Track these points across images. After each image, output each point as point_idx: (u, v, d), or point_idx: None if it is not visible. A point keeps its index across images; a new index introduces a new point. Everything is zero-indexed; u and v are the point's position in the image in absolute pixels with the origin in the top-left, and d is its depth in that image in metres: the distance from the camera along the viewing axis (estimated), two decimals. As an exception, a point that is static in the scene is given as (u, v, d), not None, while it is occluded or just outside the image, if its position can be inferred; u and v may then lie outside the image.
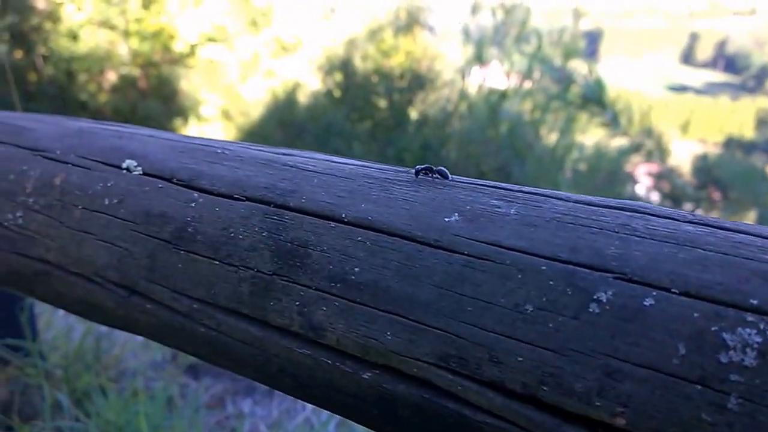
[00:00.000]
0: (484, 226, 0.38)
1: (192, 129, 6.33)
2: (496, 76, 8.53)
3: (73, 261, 0.54)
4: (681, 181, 5.74)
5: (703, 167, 6.97)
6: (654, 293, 0.33)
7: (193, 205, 0.47)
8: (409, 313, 0.37)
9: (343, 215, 0.41)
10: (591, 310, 0.33)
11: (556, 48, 7.85)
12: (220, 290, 0.44)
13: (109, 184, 0.53)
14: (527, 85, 8.29)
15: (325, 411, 1.44)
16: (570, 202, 0.39)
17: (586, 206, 0.39)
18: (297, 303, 0.41)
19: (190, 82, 6.25)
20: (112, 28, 5.91)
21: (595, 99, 4.99)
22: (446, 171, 0.44)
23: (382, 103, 7.19)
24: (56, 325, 1.58)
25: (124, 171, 0.53)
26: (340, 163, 0.48)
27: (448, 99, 7.74)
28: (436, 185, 0.43)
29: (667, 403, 0.31)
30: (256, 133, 6.68)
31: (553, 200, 0.39)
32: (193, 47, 6.12)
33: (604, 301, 0.33)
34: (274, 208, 0.44)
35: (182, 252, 0.46)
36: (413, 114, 7.35)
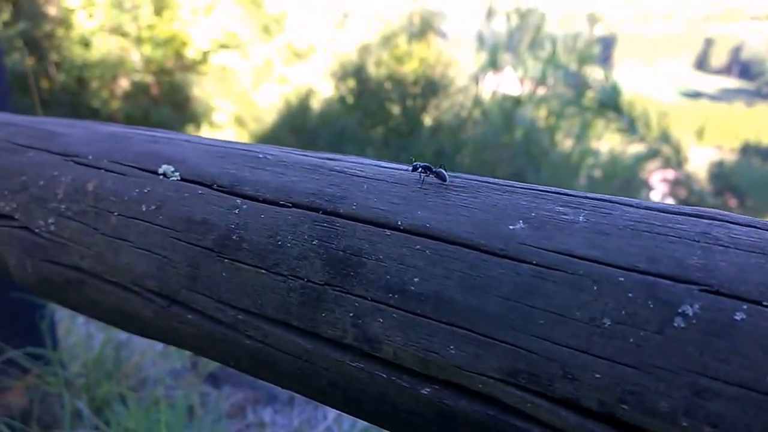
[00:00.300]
0: (551, 234, 0.36)
1: (205, 134, 6.35)
2: (510, 81, 8.51)
3: (109, 269, 0.52)
4: (699, 188, 5.67)
5: (720, 174, 6.89)
6: (744, 306, 0.30)
7: (236, 212, 0.45)
8: (474, 326, 0.35)
9: (399, 222, 0.39)
10: (676, 324, 0.31)
11: (571, 53, 7.82)
12: (267, 300, 0.42)
13: (145, 190, 0.51)
14: (541, 90, 8.26)
15: (347, 420, 1.42)
16: (641, 209, 0.37)
17: (659, 213, 0.36)
18: (351, 314, 0.39)
19: (202, 89, 6.28)
20: (124, 34, 5.95)
21: (611, 105, 4.95)
22: (444, 172, 0.43)
23: (396, 109, 7.18)
24: (76, 333, 1.58)
25: (161, 176, 0.51)
26: (389, 167, 0.46)
27: (461, 105, 7.72)
28: (494, 191, 0.41)
29: (761, 423, 0.29)
30: (269, 140, 6.68)
31: (623, 207, 0.37)
32: (205, 54, 6.15)
33: (691, 315, 0.31)
34: (323, 215, 0.42)
35: (226, 260, 0.45)
36: (427, 120, 7.34)
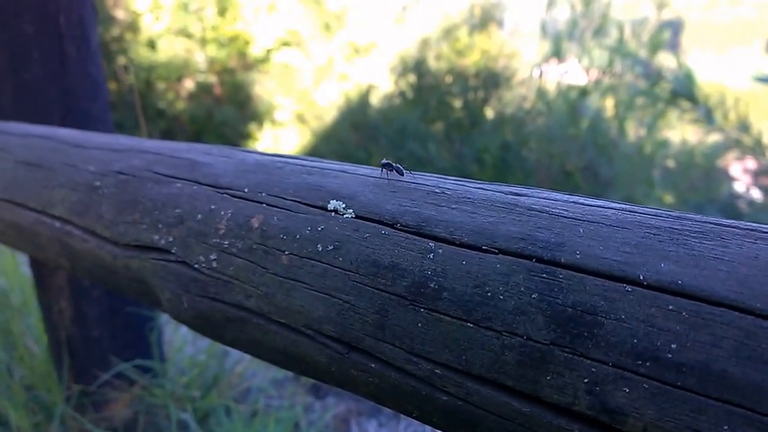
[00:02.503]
0: None
1: (267, 134, 6.45)
2: (574, 71, 8.25)
3: (278, 310, 0.50)
4: (788, 178, 5.32)
5: (807, 160, 6.46)
6: None
7: (430, 256, 0.42)
8: (756, 405, 0.30)
9: (641, 276, 0.35)
10: None
11: (638, 41, 7.50)
12: (474, 357, 0.39)
13: (319, 228, 0.48)
14: (608, 80, 7.98)
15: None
16: None
17: None
18: (585, 380, 0.35)
19: (264, 88, 6.36)
20: (189, 36, 6.09)
21: (685, 94, 4.71)
22: (402, 168, 0.50)
23: (457, 103, 7.07)
24: (179, 344, 1.60)
25: (332, 213, 0.49)
26: (597, 206, 0.41)
27: (525, 97, 7.54)
28: (742, 237, 0.35)
29: None
30: (330, 137, 6.73)
31: None
32: (268, 52, 6.22)
33: None
34: (540, 265, 0.38)
35: (422, 310, 0.41)
36: (489, 113, 7.20)
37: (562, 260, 0.37)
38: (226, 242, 0.53)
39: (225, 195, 0.55)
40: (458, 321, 0.40)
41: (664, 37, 7.78)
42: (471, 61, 7.23)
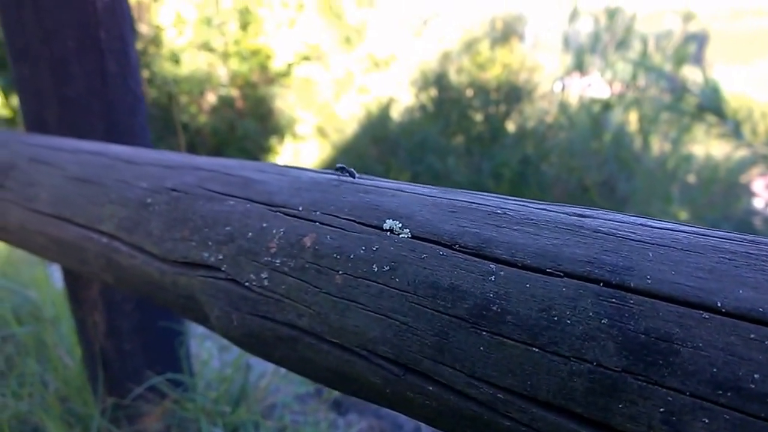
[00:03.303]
0: None
1: (287, 147, 6.50)
2: (597, 85, 8.21)
3: (331, 330, 0.50)
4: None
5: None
6: None
7: (492, 278, 0.42)
8: None
9: (718, 303, 0.34)
10: None
11: (662, 54, 7.45)
12: (540, 382, 0.38)
13: (374, 248, 0.48)
14: (632, 93, 7.92)
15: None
16: None
17: None
18: (661, 409, 0.34)
19: (285, 101, 6.42)
20: (212, 50, 6.19)
21: (712, 108, 4.65)
22: (353, 171, 0.57)
23: (478, 116, 7.07)
24: (202, 358, 1.61)
25: (387, 233, 0.49)
26: (667, 229, 0.40)
27: (546, 111, 7.51)
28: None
29: None
30: (350, 150, 6.76)
31: None
32: (289, 66, 6.29)
33: None
34: (608, 289, 0.37)
35: (485, 333, 0.41)
36: (510, 127, 7.18)
37: (632, 285, 0.37)
38: (278, 261, 0.54)
39: (278, 213, 0.55)
40: (523, 345, 0.39)
41: (689, 50, 7.69)
42: (492, 75, 7.24)
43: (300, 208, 0.55)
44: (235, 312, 0.57)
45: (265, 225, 0.56)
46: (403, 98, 7.04)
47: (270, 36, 6.27)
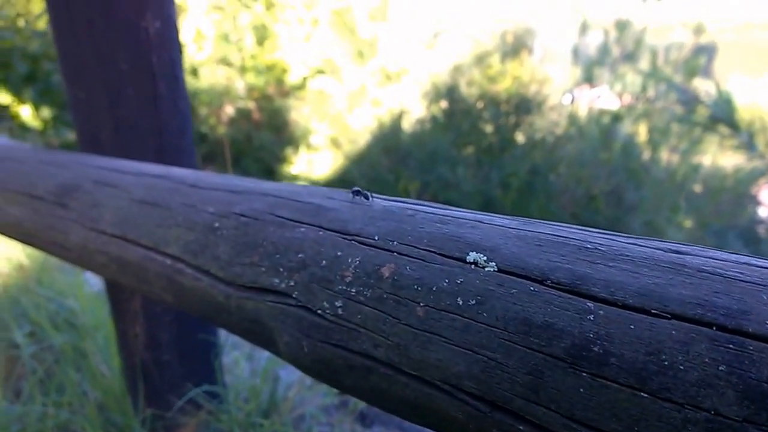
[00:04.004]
0: None
1: (302, 157, 6.52)
2: (606, 96, 8.22)
3: (410, 362, 0.49)
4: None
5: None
6: None
7: (590, 318, 0.41)
8: None
9: None
10: None
11: (672, 65, 7.45)
12: (650, 428, 0.37)
13: (458, 281, 0.48)
14: (641, 105, 7.92)
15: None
16: None
17: None
18: (787, 461, 0.33)
19: (300, 113, 6.46)
20: (230, 64, 6.25)
21: (725, 120, 4.65)
22: (368, 193, 0.59)
23: (488, 128, 7.07)
24: (227, 367, 1.61)
25: (471, 265, 0.48)
26: (764, 267, 0.40)
27: (556, 122, 7.52)
28: None
29: None
30: (362, 160, 6.78)
31: None
32: (304, 79, 6.34)
33: None
34: (724, 334, 0.37)
35: (585, 374, 0.40)
36: (520, 138, 7.18)
37: (750, 330, 0.36)
38: (354, 290, 0.53)
39: (353, 242, 0.55)
40: (629, 389, 0.38)
41: (700, 62, 7.68)
42: (502, 87, 7.25)
43: (376, 238, 0.54)
44: (306, 339, 0.57)
45: (339, 253, 0.55)
46: (415, 110, 7.07)
47: (285, 50, 6.33)
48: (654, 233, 6.81)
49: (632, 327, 0.39)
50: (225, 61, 5.99)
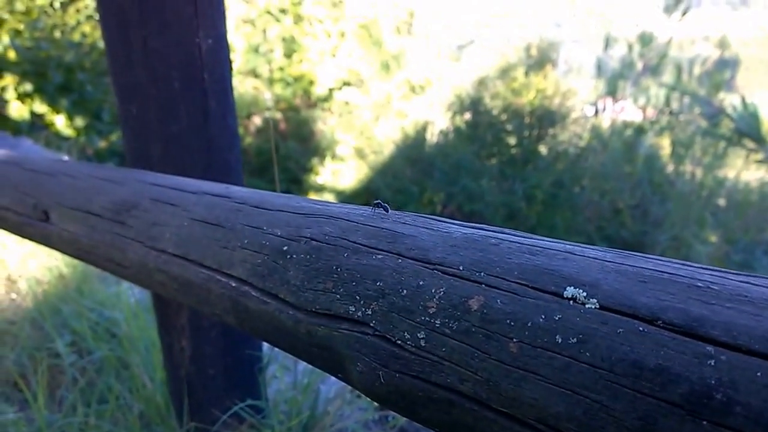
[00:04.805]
0: None
1: (327, 167, 6.55)
2: (629, 109, 8.14)
3: (501, 398, 0.47)
4: None
5: None
6: None
7: (711, 362, 0.39)
8: None
9: None
10: None
11: (695, 79, 7.36)
12: (783, 484, 0.35)
13: (556, 318, 0.46)
14: (665, 118, 7.82)
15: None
16: None
17: None
18: None
19: (326, 124, 6.50)
20: (258, 76, 6.32)
21: (751, 133, 4.58)
22: (387, 206, 0.63)
23: (512, 140, 7.05)
24: (268, 381, 1.60)
25: (569, 301, 0.46)
26: None
27: (580, 135, 7.46)
28: None
29: None
30: (386, 171, 6.78)
31: None
32: (330, 91, 6.38)
33: None
34: None
35: (705, 423, 0.38)
36: (543, 150, 7.14)
37: None
38: (437, 321, 0.52)
39: (435, 271, 0.54)
40: (758, 441, 0.36)
41: (725, 75, 7.57)
42: (526, 100, 7.23)
43: (461, 268, 0.53)
44: (383, 369, 0.55)
45: (421, 283, 0.54)
46: (439, 122, 7.07)
47: (313, 63, 6.39)
48: (682, 249, 6.70)
49: (759, 374, 0.37)
50: (254, 73, 6.06)
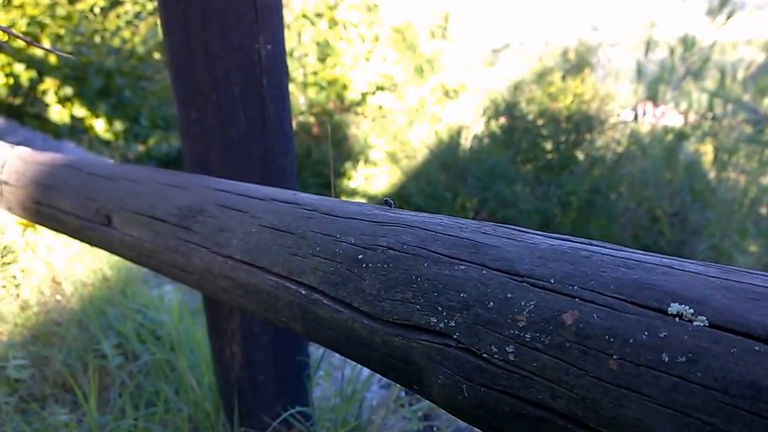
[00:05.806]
0: None
1: (360, 172, 6.56)
2: (670, 114, 7.95)
3: (599, 417, 0.46)
4: None
5: None
6: None
7: (842, 387, 0.37)
8: None
9: None
10: None
11: (739, 84, 7.15)
12: None
13: (660, 335, 0.44)
14: (707, 124, 7.61)
15: None
16: None
17: None
18: None
19: (359, 129, 6.52)
20: (292, 80, 6.37)
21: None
22: (391, 201, 0.69)
23: (548, 145, 6.96)
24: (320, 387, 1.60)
25: (675, 318, 0.44)
26: None
27: (617, 140, 7.31)
28: None
29: None
30: (419, 176, 6.76)
31: None
32: (363, 96, 6.40)
33: None
34: None
35: (839, 452, 0.36)
36: (580, 156, 7.03)
37: None
38: (528, 335, 0.50)
39: (524, 284, 0.52)
40: None
41: (770, 81, 7.29)
42: (563, 105, 7.13)
43: (552, 281, 0.51)
44: (467, 383, 0.54)
45: (509, 295, 0.52)
46: (473, 126, 7.02)
47: (347, 67, 6.42)
48: (721, 259, 6.51)
49: None
50: (288, 77, 6.13)
